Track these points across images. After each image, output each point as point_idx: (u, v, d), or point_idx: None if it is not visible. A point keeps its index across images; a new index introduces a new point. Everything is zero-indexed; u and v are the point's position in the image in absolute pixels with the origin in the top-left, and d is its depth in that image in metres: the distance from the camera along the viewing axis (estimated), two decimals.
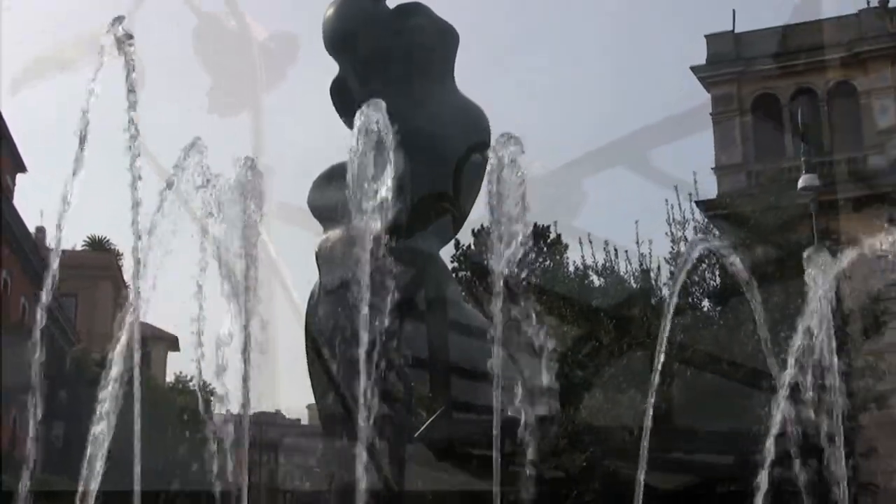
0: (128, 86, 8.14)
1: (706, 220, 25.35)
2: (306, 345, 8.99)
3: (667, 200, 22.02)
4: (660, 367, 8.86)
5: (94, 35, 8.40)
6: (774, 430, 7.97)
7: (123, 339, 8.11)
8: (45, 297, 8.23)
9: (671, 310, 9.46)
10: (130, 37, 8.15)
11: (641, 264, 21.46)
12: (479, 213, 10.23)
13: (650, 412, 8.98)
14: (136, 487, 8.31)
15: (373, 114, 7.89)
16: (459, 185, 9.29)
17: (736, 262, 8.94)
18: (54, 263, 8.08)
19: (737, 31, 38.43)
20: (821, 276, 8.37)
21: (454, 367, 8.50)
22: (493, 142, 8.29)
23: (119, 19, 8.18)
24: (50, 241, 43.37)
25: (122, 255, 52.64)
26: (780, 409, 8.04)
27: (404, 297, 8.19)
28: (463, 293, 12.41)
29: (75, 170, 7.85)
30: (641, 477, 8.40)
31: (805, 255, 8.79)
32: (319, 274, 9.00)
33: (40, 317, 8.31)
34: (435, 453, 8.28)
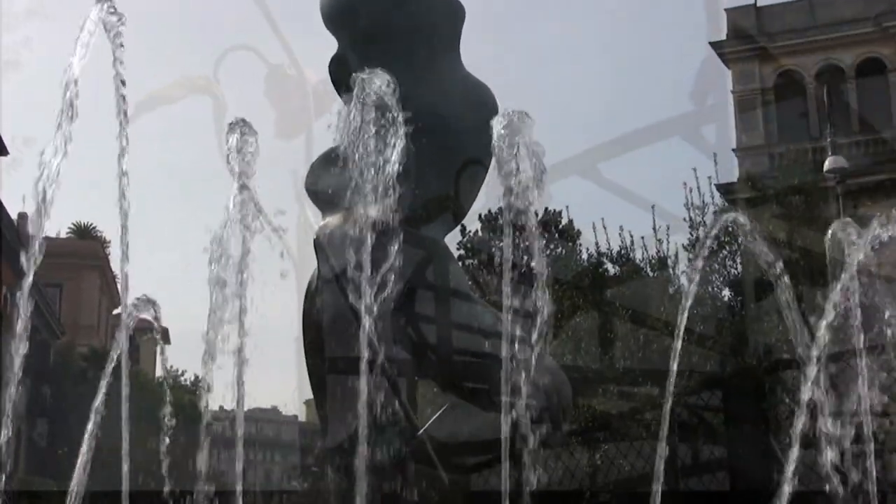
0: (115, 56, 8.10)
1: (727, 203, 25.38)
2: (303, 336, 8.98)
3: (685, 184, 22.11)
4: (677, 358, 8.85)
5: (200, 77, 8.53)
6: (798, 433, 7.96)
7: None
8: (26, 285, 8.10)
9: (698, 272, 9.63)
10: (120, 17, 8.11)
11: (658, 252, 21.53)
12: (483, 201, 10.35)
13: (667, 408, 8.97)
14: (125, 487, 8.31)
15: (372, 82, 7.91)
16: (461, 179, 9.32)
17: (760, 242, 8.95)
18: (35, 246, 7.97)
19: (759, 4, 38.31)
20: (850, 254, 8.31)
21: (461, 325, 8.78)
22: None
23: None
24: (31, 226, 43.35)
25: (109, 242, 52.77)
26: (803, 410, 8.04)
27: (412, 279, 8.37)
28: (469, 282, 12.44)
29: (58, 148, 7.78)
30: (660, 471, 8.42)
31: (830, 231, 8.75)
32: (318, 262, 8.98)
33: (25, 306, 8.17)
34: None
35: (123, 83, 8.06)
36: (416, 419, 8.51)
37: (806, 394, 7.63)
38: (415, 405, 8.62)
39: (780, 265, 8.41)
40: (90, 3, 8.03)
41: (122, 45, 8.13)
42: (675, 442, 9.73)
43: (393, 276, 7.71)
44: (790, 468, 7.45)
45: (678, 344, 8.33)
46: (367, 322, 7.48)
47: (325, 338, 8.47)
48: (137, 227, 8.44)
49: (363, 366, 7.40)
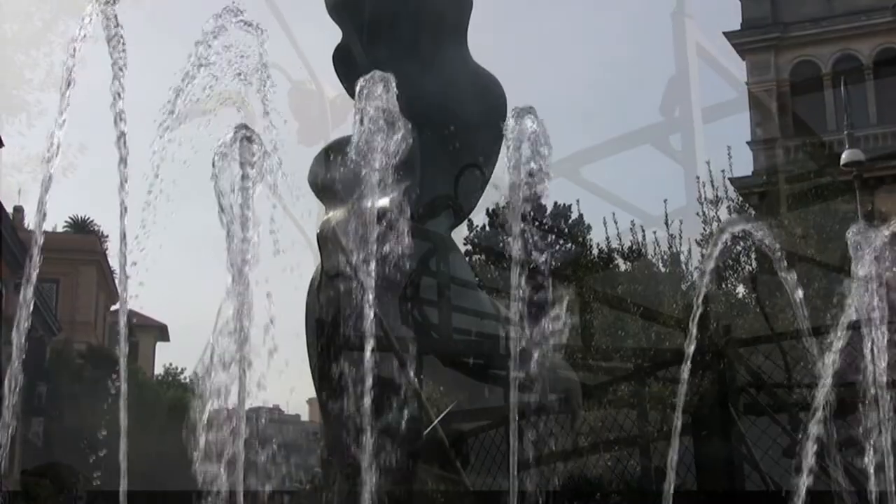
0: (111, 48, 8.09)
1: (740, 198, 25.37)
2: (307, 333, 9.00)
3: (698, 178, 22.13)
4: (690, 357, 8.87)
5: (232, 92, 8.57)
6: (812, 442, 7.99)
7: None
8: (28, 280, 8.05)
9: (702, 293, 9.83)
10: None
11: (671, 247, 21.55)
12: (490, 197, 10.47)
13: (679, 411, 8.97)
14: (123, 487, 8.32)
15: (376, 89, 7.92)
16: (462, 179, 9.37)
17: (772, 244, 9.08)
18: (36, 242, 7.96)
19: None
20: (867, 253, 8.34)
21: (463, 308, 8.99)
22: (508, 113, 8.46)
23: None
24: (28, 222, 43.40)
25: (107, 237, 52.78)
26: (816, 416, 8.06)
27: (416, 270, 8.48)
28: (477, 278, 12.52)
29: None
30: (672, 476, 8.43)
31: (849, 233, 8.81)
32: (321, 257, 9.00)
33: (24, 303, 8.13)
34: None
35: (122, 81, 8.07)
36: (420, 389, 8.69)
37: (829, 366, 7.75)
38: (420, 380, 8.80)
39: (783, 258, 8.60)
40: (136, 27, 8.06)
41: (123, 49, 8.14)
42: (646, 411, 10.64)
43: (398, 268, 7.81)
44: (805, 472, 7.46)
45: (694, 331, 8.53)
46: (373, 304, 7.62)
47: (341, 321, 8.56)
48: (149, 227, 8.42)
49: (371, 344, 7.55)
